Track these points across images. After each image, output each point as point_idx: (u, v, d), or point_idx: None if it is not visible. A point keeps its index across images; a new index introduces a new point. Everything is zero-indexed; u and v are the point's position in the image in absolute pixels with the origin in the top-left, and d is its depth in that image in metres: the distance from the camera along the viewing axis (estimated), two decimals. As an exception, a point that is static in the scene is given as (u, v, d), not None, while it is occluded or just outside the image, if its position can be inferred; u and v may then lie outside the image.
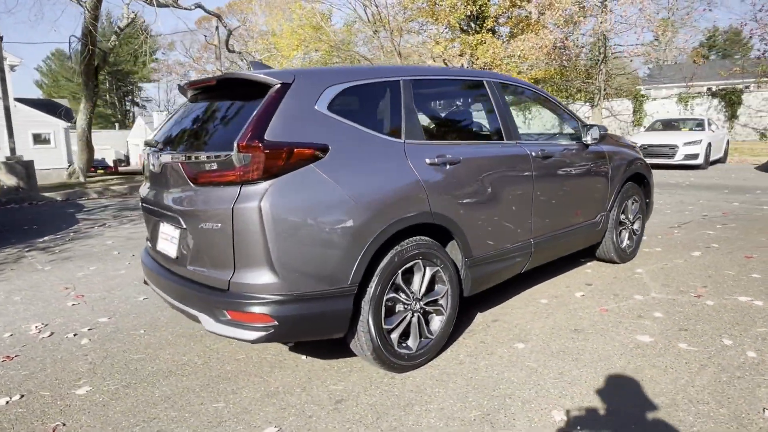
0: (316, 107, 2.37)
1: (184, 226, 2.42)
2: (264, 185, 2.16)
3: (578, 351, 2.83)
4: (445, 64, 23.98)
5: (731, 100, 18.39)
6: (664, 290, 3.76)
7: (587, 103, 21.51)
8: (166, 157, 2.52)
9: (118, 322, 3.52)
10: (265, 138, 2.16)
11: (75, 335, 3.33)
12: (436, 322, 2.78)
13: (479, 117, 3.41)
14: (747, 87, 19.52)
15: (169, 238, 2.64)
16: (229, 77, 2.46)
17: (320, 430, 2.18)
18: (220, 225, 2.22)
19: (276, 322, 2.20)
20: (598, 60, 19.36)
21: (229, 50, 17.28)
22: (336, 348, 2.89)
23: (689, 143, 12.02)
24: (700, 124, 13.30)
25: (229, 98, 2.54)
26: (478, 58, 22.79)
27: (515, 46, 19.53)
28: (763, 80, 20.16)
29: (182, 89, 2.94)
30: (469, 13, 22.40)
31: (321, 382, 2.60)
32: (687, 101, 19.38)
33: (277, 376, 2.68)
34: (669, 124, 13.90)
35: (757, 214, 6.54)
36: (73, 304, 3.93)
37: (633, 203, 4.47)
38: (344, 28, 30.44)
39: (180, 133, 2.70)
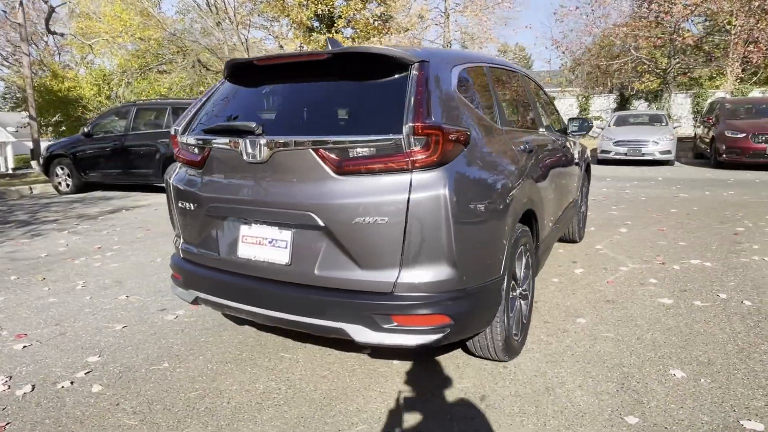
0: (452, 88, 2.23)
1: (321, 224, 2.03)
2: (441, 171, 1.96)
3: (631, 317, 3.15)
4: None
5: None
6: (633, 261, 4.37)
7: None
8: (274, 143, 2.09)
9: (118, 359, 2.78)
10: (434, 120, 1.96)
11: (72, 383, 2.54)
12: (524, 307, 2.83)
13: (523, 106, 3.53)
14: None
15: (269, 242, 2.20)
16: (350, 52, 2.14)
17: (497, 430, 2.08)
18: (386, 219, 1.94)
19: (452, 321, 2.02)
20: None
21: (50, 32, 14.42)
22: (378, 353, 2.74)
23: (660, 139, 13.11)
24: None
25: (347, 76, 2.21)
26: (330, 58, 22.96)
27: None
28: (567, 90, 24.39)
29: (243, 66, 2.45)
30: (319, 12, 22.38)
31: (442, 384, 2.44)
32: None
33: (391, 384, 2.44)
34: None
35: (627, 197, 7.94)
36: (24, 346, 2.96)
37: (584, 187, 5.08)
38: (178, 17, 27.75)
39: (283, 115, 2.28)
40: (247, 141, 2.15)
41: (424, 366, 2.61)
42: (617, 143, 12.74)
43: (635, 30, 16.95)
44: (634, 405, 2.22)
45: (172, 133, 2.57)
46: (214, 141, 2.31)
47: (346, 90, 2.23)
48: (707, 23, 19.21)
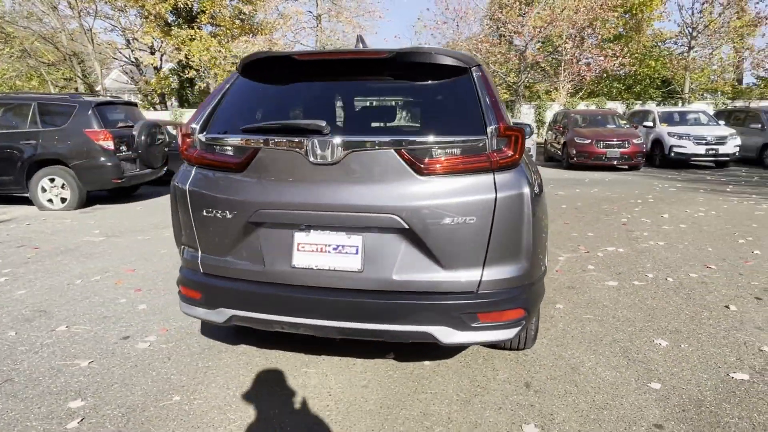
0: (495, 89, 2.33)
1: (405, 227, 1.97)
2: (519, 170, 2.05)
3: (596, 299, 3.58)
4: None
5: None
6: (564, 251, 4.93)
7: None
8: (351, 144, 1.97)
9: (110, 400, 2.34)
10: (506, 120, 2.05)
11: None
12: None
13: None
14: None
15: (334, 249, 2.06)
16: (411, 51, 2.11)
17: (581, 410, 2.24)
18: (474, 218, 1.97)
19: (526, 314, 2.12)
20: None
21: None
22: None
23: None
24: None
25: (405, 76, 2.17)
26: (193, 56, 21.41)
27: (244, 48, 19.28)
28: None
29: (274, 61, 2.25)
30: (179, 5, 20.70)
31: (484, 379, 2.53)
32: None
33: (436, 385, 2.46)
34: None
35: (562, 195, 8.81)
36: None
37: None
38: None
39: (336, 114, 2.12)
40: (315, 141, 1.99)
41: (453, 364, 2.67)
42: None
43: (492, 46, 18.88)
44: (648, 373, 2.55)
45: (188, 131, 2.25)
46: (270, 140, 2.08)
47: (408, 90, 2.20)
48: (546, 45, 22.15)
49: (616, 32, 21.54)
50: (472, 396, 2.36)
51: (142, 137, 7.59)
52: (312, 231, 2.09)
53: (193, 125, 2.25)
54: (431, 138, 1.98)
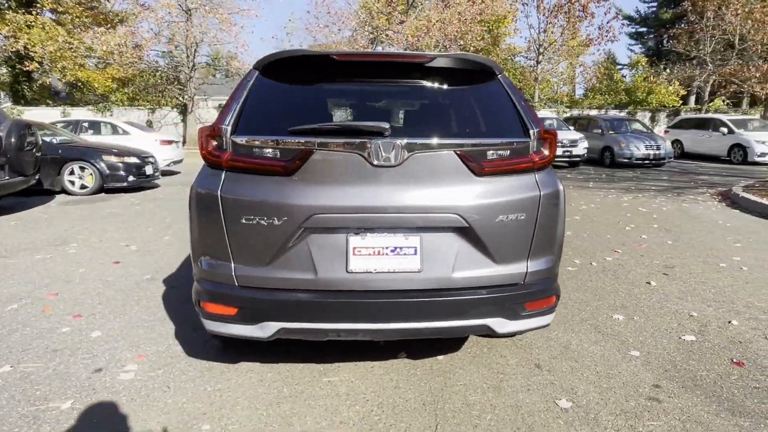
0: None
1: (466, 225, 2.05)
2: (550, 170, 2.25)
3: (549, 286, 4.00)
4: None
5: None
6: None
7: (174, 109, 21.49)
8: (415, 146, 1.99)
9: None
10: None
11: None
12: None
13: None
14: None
15: (392, 251, 2.07)
16: (450, 57, 2.20)
17: (592, 381, 2.52)
18: (524, 215, 2.13)
19: (557, 300, 2.34)
20: (190, 67, 19.73)
21: None
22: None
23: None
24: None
25: (441, 80, 2.25)
26: (34, 46, 18.53)
27: (103, 40, 17.19)
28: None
29: (303, 60, 2.16)
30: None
31: (519, 360, 2.72)
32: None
33: (475, 376, 2.58)
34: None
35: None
36: None
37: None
38: None
39: (382, 116, 2.11)
40: (380, 143, 1.97)
41: (464, 356, 2.81)
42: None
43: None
44: (624, 344, 2.96)
45: (217, 132, 2.07)
46: (330, 143, 2.01)
47: (446, 93, 2.27)
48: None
49: (480, 45, 23.62)
50: (498, 382, 2.53)
51: (12, 139, 6.44)
52: (368, 234, 2.07)
53: (224, 126, 2.07)
54: (487, 140, 2.10)
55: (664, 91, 28.31)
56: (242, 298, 2.09)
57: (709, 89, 24.14)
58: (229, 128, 2.07)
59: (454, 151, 2.06)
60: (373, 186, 2.04)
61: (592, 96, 29.49)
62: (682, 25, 28.38)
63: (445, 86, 2.28)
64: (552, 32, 23.74)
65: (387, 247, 2.07)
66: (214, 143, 2.11)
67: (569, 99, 28.59)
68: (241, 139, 2.07)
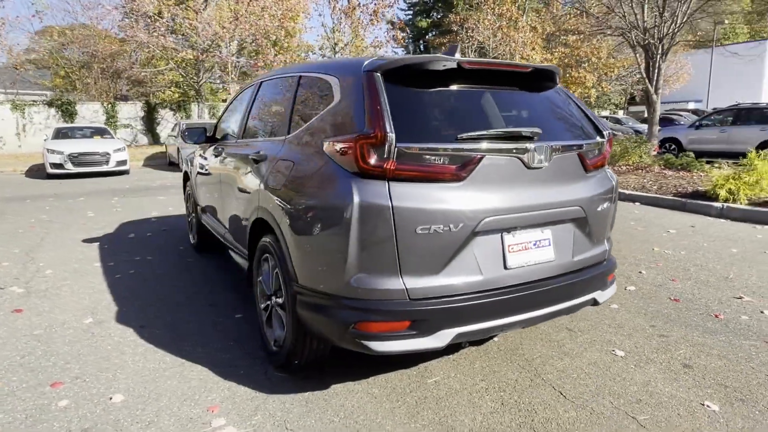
0: None
1: (584, 215, 2.37)
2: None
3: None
4: None
5: (68, 110, 19.14)
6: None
7: None
8: (559, 148, 2.20)
9: None
10: (597, 127, 2.72)
11: None
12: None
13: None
14: (81, 99, 20.65)
15: (533, 244, 2.26)
16: (539, 68, 2.46)
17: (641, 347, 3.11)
18: (610, 203, 2.56)
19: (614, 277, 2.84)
20: None
21: None
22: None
23: (118, 150, 12.57)
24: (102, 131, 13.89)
25: (538, 88, 2.51)
26: None
27: None
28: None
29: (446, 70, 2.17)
30: None
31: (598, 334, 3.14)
32: (23, 109, 18.30)
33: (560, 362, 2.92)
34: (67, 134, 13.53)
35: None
36: None
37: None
38: None
39: (517, 120, 2.25)
40: (535, 147, 2.13)
41: (493, 347, 3.14)
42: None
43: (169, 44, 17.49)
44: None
45: (381, 140, 1.94)
46: (499, 148, 2.07)
47: (541, 99, 2.51)
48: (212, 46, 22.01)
49: (279, 41, 23.41)
50: (559, 348, 2.93)
51: None
52: (517, 232, 2.22)
53: (390, 133, 1.94)
54: (589, 141, 2.45)
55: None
56: (415, 311, 2.02)
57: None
58: (394, 134, 1.96)
59: (576, 151, 2.36)
60: (526, 187, 2.21)
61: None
62: (446, 34, 33.08)
63: (539, 93, 2.54)
64: (342, 32, 25.05)
65: (530, 242, 2.26)
66: (375, 151, 1.96)
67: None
68: (407, 147, 1.98)
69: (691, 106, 29.25)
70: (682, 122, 19.51)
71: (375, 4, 23.80)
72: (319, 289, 2.16)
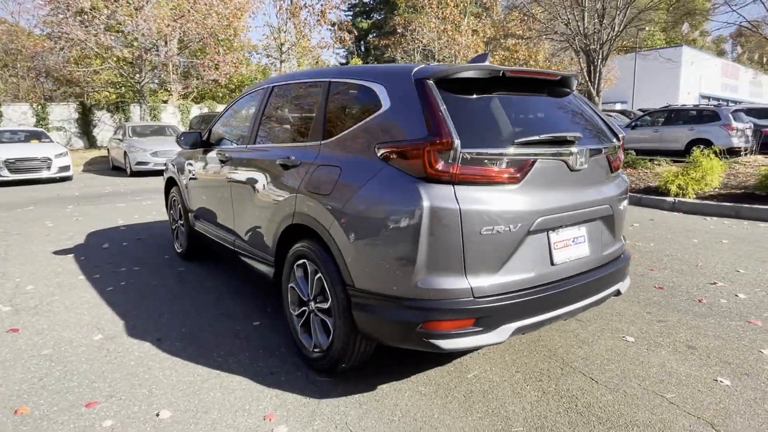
0: None
1: (611, 213, 2.56)
2: None
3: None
4: None
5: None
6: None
7: None
8: (596, 151, 2.38)
9: None
10: (609, 130, 2.94)
11: None
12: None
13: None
14: (5, 100, 19.03)
15: (572, 241, 2.43)
16: (565, 75, 2.63)
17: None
18: (626, 203, 2.78)
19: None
20: None
21: None
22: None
23: (60, 155, 11.77)
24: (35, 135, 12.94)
25: (563, 94, 2.67)
26: None
27: None
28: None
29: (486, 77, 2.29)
30: None
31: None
32: None
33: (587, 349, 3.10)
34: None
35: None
36: None
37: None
38: None
39: (547, 125, 2.42)
40: (577, 150, 2.29)
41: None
42: (154, 154, 12.79)
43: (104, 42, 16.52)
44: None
45: (449, 146, 2.02)
46: (550, 152, 2.22)
47: (565, 104, 2.67)
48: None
49: (228, 40, 22.74)
50: (589, 338, 3.14)
51: None
52: (560, 230, 2.37)
53: (455, 139, 2.03)
54: (613, 143, 2.65)
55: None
56: (479, 309, 2.12)
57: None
58: (460, 141, 2.04)
59: (605, 154, 2.55)
60: (569, 187, 2.37)
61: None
62: (389, 35, 33.45)
63: (562, 98, 2.69)
64: (288, 32, 24.74)
65: (570, 239, 2.42)
66: (442, 157, 2.04)
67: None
68: (470, 152, 2.07)
69: (618, 107, 31.29)
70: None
71: (322, 5, 23.70)
72: (381, 292, 2.21)
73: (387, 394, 2.51)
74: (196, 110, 22.74)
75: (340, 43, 25.33)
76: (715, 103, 33.32)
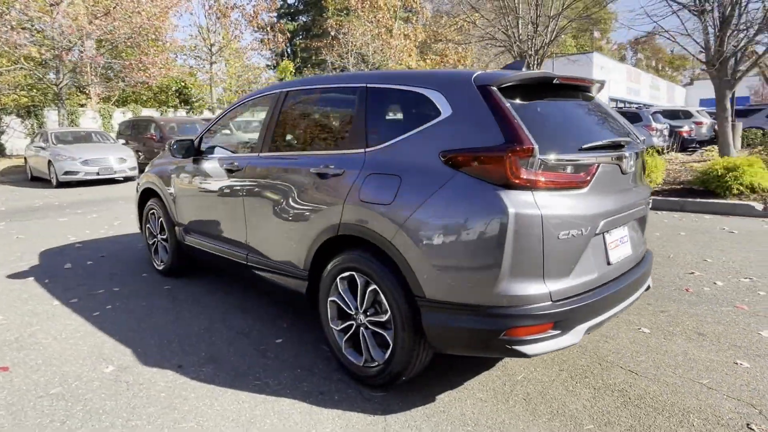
0: None
1: (646, 213, 2.72)
2: None
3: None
4: None
5: None
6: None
7: None
8: (639, 155, 2.50)
9: None
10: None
11: None
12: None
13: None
14: None
15: (620, 241, 2.55)
16: (596, 81, 2.75)
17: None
18: (650, 203, 2.95)
19: None
20: None
21: None
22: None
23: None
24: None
25: (584, 98, 2.76)
26: None
27: None
28: None
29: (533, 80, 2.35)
30: None
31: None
32: None
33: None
34: None
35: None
36: None
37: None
38: None
39: (598, 129, 2.52)
40: (628, 153, 2.40)
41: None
42: (85, 162, 11.78)
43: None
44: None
45: (529, 152, 2.05)
46: (612, 156, 2.32)
47: (595, 108, 2.77)
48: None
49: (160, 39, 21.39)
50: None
51: None
52: (612, 231, 2.46)
53: (535, 145, 2.05)
54: (643, 146, 2.80)
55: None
56: (558, 313, 2.15)
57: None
58: (538, 146, 2.07)
59: (641, 157, 2.69)
60: (620, 190, 2.47)
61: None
62: (320, 38, 33.17)
63: (592, 103, 2.79)
64: (217, 33, 23.83)
65: (619, 239, 2.53)
66: (524, 163, 2.05)
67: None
68: (547, 158, 2.10)
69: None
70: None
71: (253, 7, 23.03)
72: (459, 301, 2.18)
73: (448, 403, 2.49)
74: (119, 115, 21.22)
75: (274, 44, 24.70)
76: (637, 105, 36.16)
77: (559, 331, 2.18)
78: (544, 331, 2.15)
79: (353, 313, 2.63)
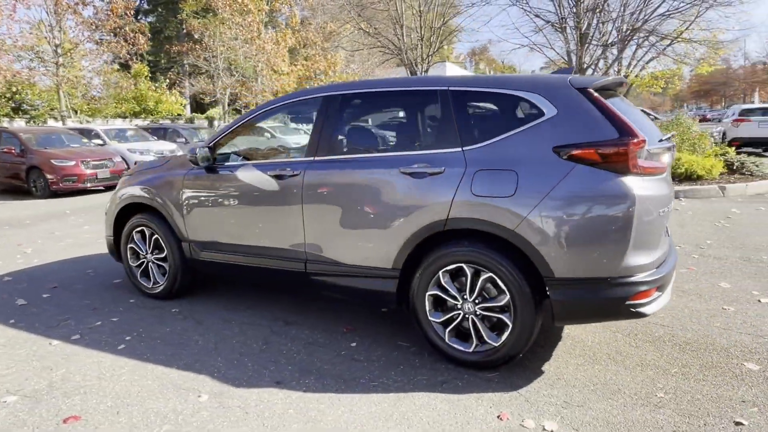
0: None
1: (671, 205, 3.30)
2: None
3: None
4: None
5: None
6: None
7: None
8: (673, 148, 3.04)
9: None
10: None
11: None
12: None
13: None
14: None
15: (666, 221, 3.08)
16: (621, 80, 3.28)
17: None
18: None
19: None
20: None
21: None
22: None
23: None
24: None
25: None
26: None
27: None
28: None
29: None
30: None
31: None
32: None
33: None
34: None
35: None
36: None
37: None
38: None
39: (647, 123, 2.99)
40: (671, 146, 2.93)
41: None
42: None
43: None
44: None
45: (641, 144, 2.45)
46: (670, 147, 2.79)
47: (619, 106, 3.26)
48: None
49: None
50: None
51: None
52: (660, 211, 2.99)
53: (646, 138, 2.45)
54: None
55: (173, 101, 31.02)
56: (660, 278, 2.58)
57: (228, 100, 28.06)
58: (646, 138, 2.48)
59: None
60: (668, 181, 2.97)
61: (106, 104, 27.95)
62: (179, 40, 30.98)
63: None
64: (68, 32, 21.00)
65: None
66: (640, 153, 2.44)
67: (90, 108, 26.22)
68: (651, 148, 2.51)
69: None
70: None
71: (108, 3, 20.68)
72: (589, 276, 2.49)
73: (558, 371, 2.79)
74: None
75: (133, 45, 22.40)
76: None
77: (660, 294, 2.63)
78: (653, 294, 2.58)
79: (458, 303, 2.79)
